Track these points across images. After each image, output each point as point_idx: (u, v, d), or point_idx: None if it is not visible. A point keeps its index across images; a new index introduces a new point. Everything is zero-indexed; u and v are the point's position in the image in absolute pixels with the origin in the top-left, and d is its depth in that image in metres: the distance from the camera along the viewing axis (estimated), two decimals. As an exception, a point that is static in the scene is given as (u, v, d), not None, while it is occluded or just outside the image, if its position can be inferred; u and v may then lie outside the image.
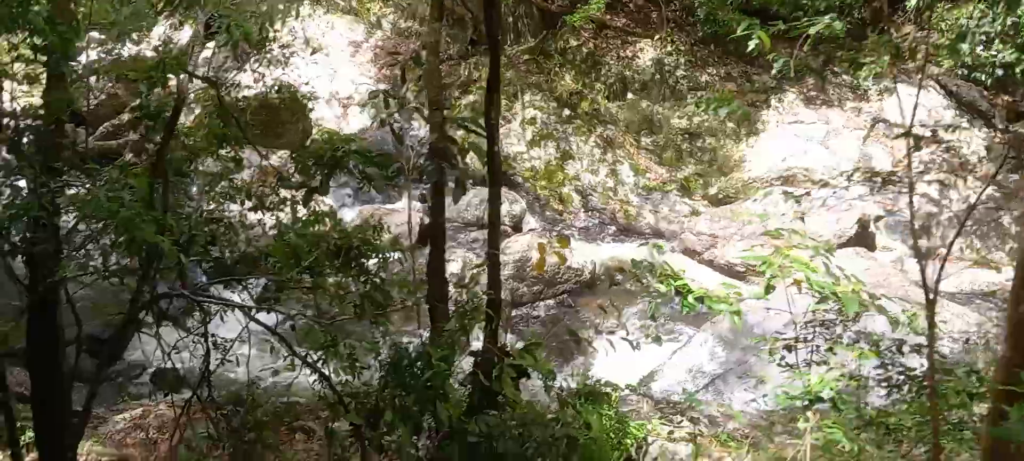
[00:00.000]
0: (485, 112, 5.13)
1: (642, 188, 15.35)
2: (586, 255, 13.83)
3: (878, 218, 13.68)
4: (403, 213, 13.25)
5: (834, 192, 14.08)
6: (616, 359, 8.39)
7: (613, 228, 15.19)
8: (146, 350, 12.32)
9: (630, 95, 15.95)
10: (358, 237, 4.86)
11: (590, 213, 15.44)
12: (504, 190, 13.59)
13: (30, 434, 5.95)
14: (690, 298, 5.39)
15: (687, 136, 15.40)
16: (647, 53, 16.07)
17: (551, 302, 13.86)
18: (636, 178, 15.37)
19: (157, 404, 9.11)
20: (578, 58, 16.18)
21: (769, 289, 5.64)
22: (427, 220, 6.43)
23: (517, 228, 14.96)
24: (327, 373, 4.82)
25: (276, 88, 12.76)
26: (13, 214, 4.90)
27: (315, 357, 4.78)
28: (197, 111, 12.68)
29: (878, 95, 15.06)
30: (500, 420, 4.36)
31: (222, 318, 5.03)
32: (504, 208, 15.07)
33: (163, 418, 8.71)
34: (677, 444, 7.97)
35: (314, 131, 15.44)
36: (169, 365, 6.15)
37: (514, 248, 13.82)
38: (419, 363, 4.42)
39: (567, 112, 15.76)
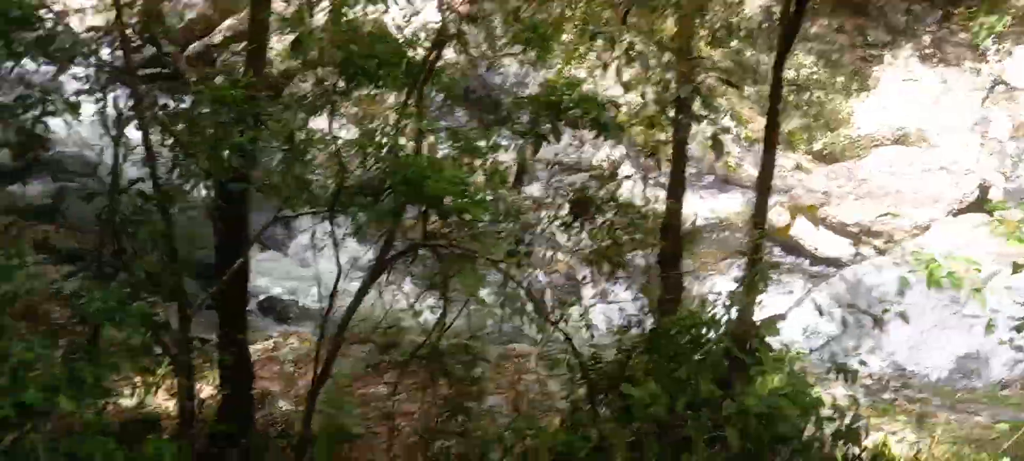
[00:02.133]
0: (774, 71, 4.71)
1: (743, 139, 14.84)
2: (685, 206, 13.44)
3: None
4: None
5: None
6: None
7: (710, 178, 14.78)
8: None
9: (735, 43, 15.35)
10: (607, 192, 4.51)
11: (687, 162, 14.97)
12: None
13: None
14: (937, 275, 5.04)
15: (793, 88, 14.82)
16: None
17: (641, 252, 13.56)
18: (738, 129, 14.85)
19: (287, 337, 8.90)
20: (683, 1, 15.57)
21: (1018, 268, 5.30)
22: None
23: (613, 175, 14.58)
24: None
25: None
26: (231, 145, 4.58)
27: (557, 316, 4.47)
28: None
29: (997, 55, 14.40)
30: (784, 402, 4.04)
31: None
32: (603, 153, 14.74)
33: (298, 351, 8.50)
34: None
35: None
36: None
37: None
38: (692, 331, 4.08)
39: (668, 57, 15.19)
